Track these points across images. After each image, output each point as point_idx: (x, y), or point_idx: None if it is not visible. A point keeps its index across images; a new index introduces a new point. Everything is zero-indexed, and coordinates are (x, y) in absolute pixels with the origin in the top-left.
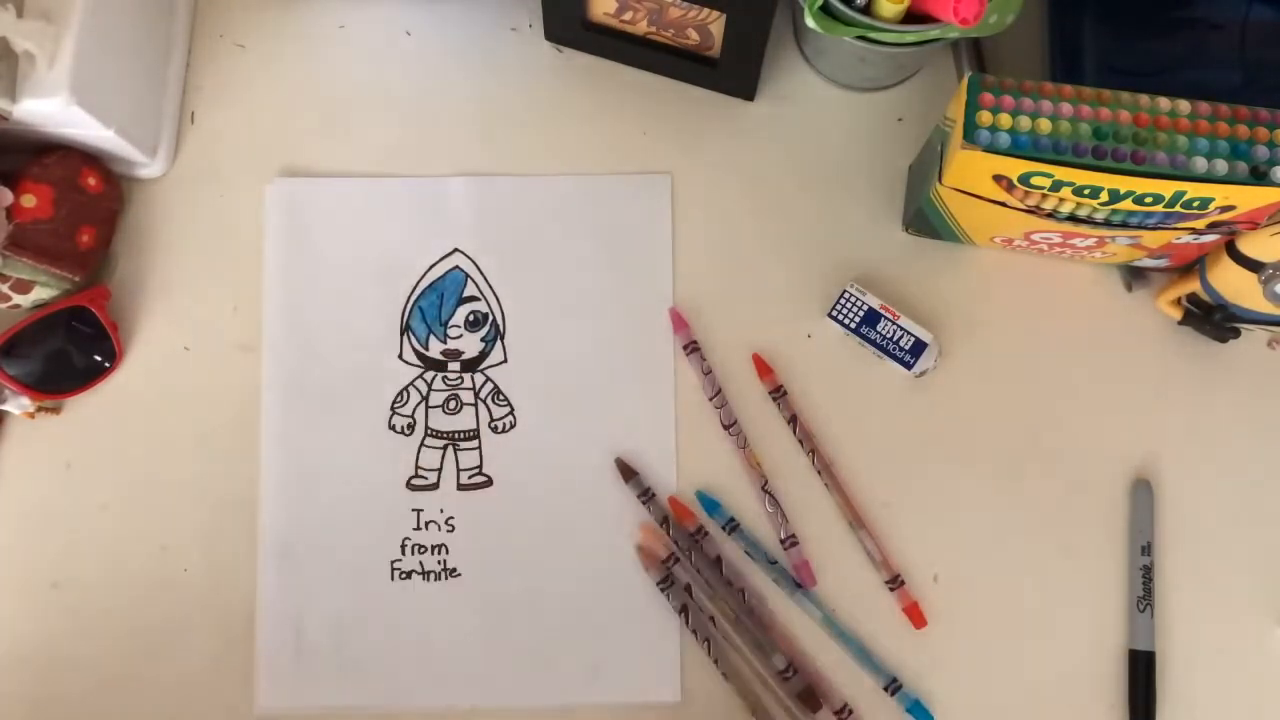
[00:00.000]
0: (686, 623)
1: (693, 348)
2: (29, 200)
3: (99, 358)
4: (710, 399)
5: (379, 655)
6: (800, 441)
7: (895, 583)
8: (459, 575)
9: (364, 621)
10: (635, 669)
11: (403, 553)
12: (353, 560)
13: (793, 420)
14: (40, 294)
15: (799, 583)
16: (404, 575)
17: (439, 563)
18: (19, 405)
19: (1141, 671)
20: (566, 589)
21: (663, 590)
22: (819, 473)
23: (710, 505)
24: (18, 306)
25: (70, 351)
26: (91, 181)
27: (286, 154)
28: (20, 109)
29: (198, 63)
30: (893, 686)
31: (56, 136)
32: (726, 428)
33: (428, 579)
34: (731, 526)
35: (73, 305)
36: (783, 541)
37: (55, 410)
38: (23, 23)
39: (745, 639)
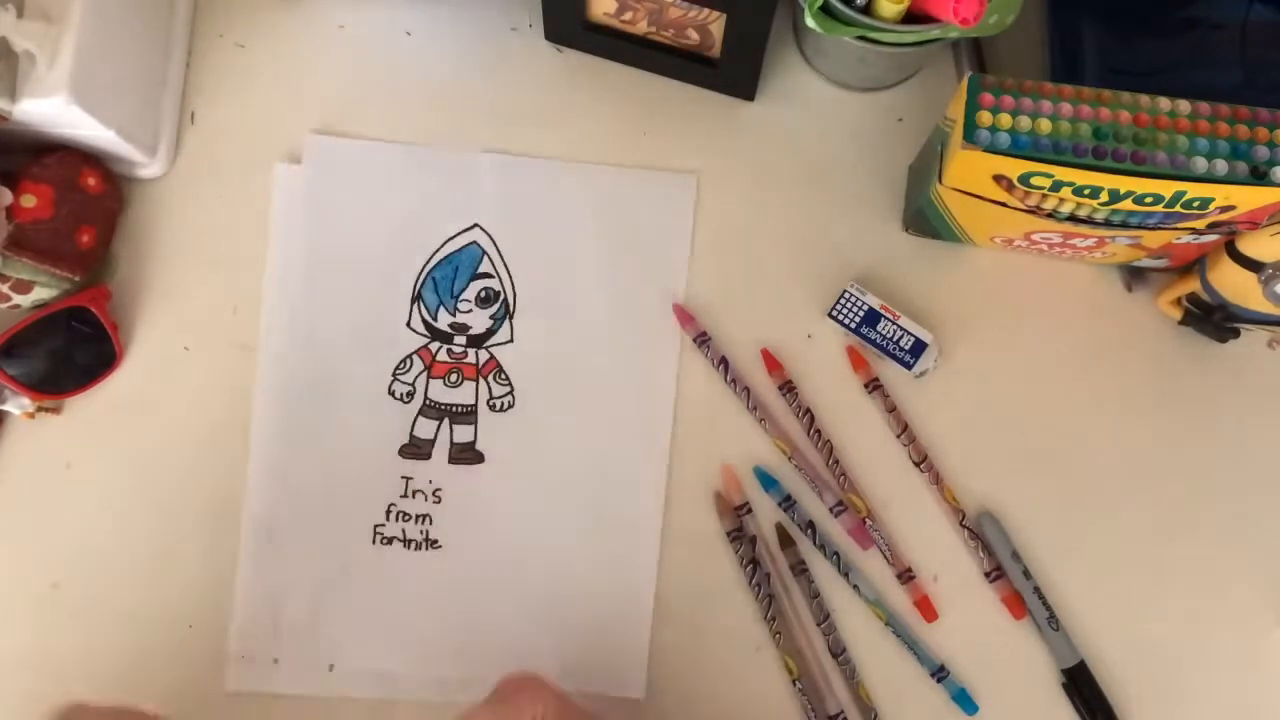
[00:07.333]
0: (751, 579)
1: (703, 339)
2: (29, 200)
3: (99, 358)
4: (729, 382)
5: (352, 620)
6: (812, 436)
7: (907, 576)
8: (440, 547)
9: (341, 586)
10: (603, 662)
11: (387, 518)
12: (336, 519)
13: (806, 414)
14: (40, 294)
15: (843, 565)
16: (385, 540)
17: (421, 532)
18: (19, 405)
19: (1085, 685)
20: (544, 574)
21: (732, 540)
22: (830, 466)
23: (767, 481)
24: (18, 306)
25: (70, 351)
26: (91, 181)
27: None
28: (20, 109)
29: (198, 63)
30: (940, 674)
31: (56, 136)
32: (751, 410)
33: (408, 547)
34: (788, 505)
35: (73, 305)
36: (831, 509)
37: (55, 410)
38: (23, 23)
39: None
